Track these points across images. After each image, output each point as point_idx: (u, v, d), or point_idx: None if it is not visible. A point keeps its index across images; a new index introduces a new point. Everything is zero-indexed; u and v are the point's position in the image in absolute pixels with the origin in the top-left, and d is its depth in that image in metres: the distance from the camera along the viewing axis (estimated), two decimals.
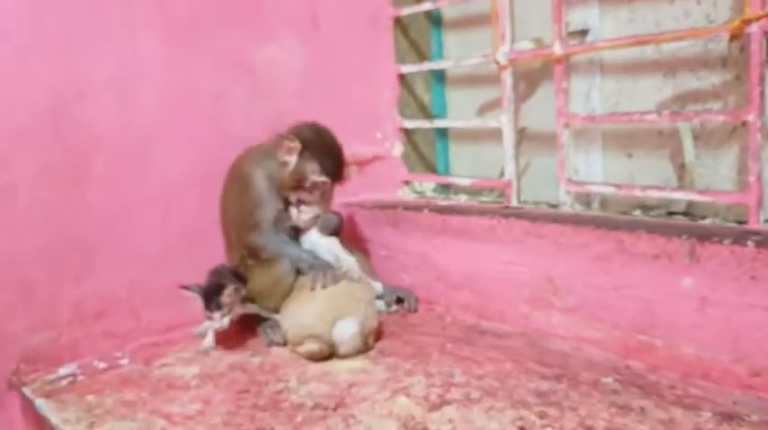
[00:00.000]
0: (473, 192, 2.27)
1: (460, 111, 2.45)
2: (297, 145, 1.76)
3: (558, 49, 1.79)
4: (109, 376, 1.62)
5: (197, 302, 1.69)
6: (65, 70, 1.68)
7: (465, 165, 2.48)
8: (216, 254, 1.93)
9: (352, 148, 2.26)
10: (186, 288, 1.70)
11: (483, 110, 2.34)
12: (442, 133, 2.52)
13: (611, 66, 1.94)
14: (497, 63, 1.95)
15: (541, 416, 1.26)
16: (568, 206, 1.84)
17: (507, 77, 1.95)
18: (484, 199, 2.14)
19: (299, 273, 1.76)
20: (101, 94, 1.73)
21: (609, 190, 1.77)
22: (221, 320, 1.68)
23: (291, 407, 1.38)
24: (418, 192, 2.42)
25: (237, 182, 1.85)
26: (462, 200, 2.17)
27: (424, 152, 2.51)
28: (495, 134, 2.04)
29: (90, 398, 1.50)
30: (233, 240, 1.88)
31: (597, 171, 2.01)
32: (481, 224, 1.78)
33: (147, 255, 1.84)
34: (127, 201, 1.80)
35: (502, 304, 1.76)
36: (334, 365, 1.59)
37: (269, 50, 2.06)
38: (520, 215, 1.72)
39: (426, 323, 1.85)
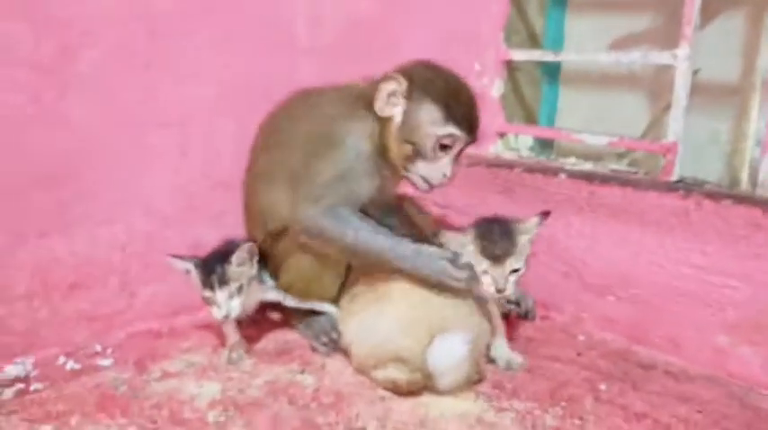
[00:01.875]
0: (588, 156, 1.66)
1: (582, 43, 1.81)
2: (403, 84, 1.12)
3: None
4: (79, 388, 1.05)
5: (193, 279, 1.13)
6: None
7: (575, 119, 1.86)
8: None
9: None
10: (179, 258, 1.15)
11: (620, 44, 1.71)
12: (553, 74, 1.90)
13: None
14: None
15: None
16: None
17: None
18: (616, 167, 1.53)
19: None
20: None
21: None
22: (228, 304, 1.11)
23: None
24: (513, 149, 1.81)
25: (310, 138, 1.17)
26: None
27: (526, 96, 1.89)
28: (629, 79, 1.56)
29: None
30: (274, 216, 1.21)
31: None
32: (662, 204, 1.18)
33: (152, 203, 1.25)
34: (125, 122, 1.20)
35: (680, 328, 1.17)
36: (431, 406, 1.02)
37: None
38: (738, 198, 1.12)
39: (550, 340, 1.27)
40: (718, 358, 1.12)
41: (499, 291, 1.05)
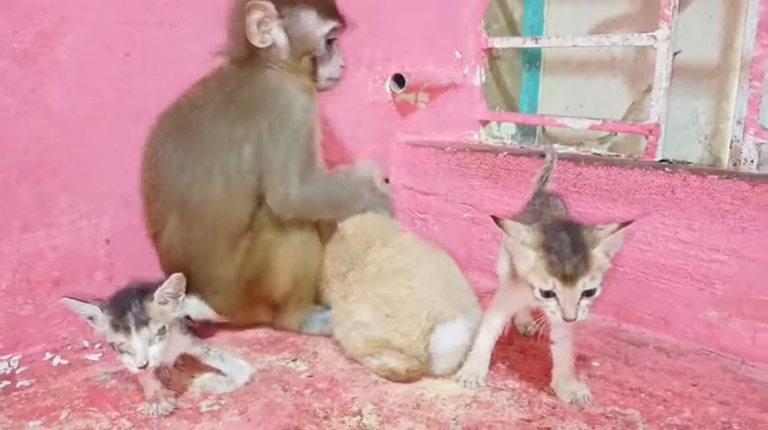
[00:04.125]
0: (570, 141, 1.68)
1: (561, 30, 1.82)
2: (270, 7, 1.09)
3: None
4: (68, 383, 1.03)
5: (99, 325, 0.90)
6: None
7: (556, 105, 1.88)
8: None
9: (423, 68, 1.67)
10: (79, 300, 0.91)
11: (599, 30, 1.72)
12: (533, 61, 1.91)
13: None
14: None
15: None
16: (753, 166, 1.26)
17: None
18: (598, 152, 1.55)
19: None
20: None
21: None
22: (147, 350, 0.88)
23: None
24: (496, 137, 1.82)
25: (249, 128, 1.10)
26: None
27: (507, 84, 1.90)
28: (609, 64, 1.60)
29: (33, 425, 0.91)
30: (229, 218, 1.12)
31: None
32: (647, 182, 1.19)
33: (133, 193, 1.22)
34: (105, 112, 1.17)
35: (670, 305, 1.18)
36: (427, 388, 1.01)
37: None
38: (724, 173, 1.13)
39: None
40: (709, 332, 1.13)
41: (567, 319, 0.85)
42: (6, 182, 1.07)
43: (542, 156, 1.21)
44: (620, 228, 0.86)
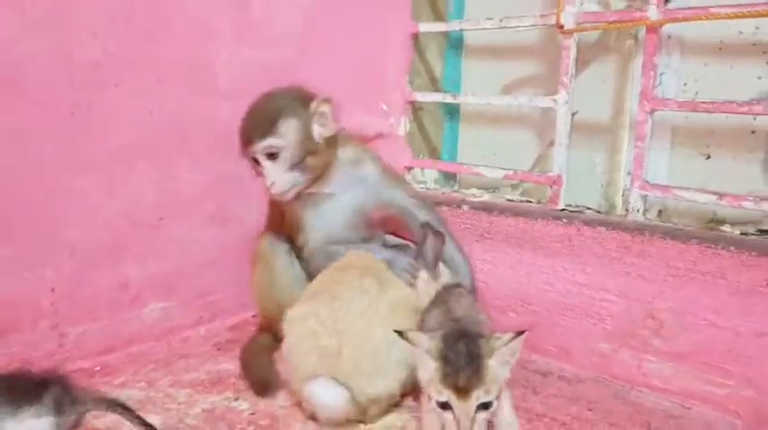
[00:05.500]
0: (486, 186, 1.85)
1: (476, 87, 2.01)
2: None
3: (653, 14, 1.39)
4: None
5: None
6: None
7: (474, 153, 2.05)
8: (184, 248, 1.42)
9: (352, 120, 1.80)
10: None
11: (510, 87, 1.92)
12: (452, 113, 2.08)
13: (695, 44, 1.57)
14: (560, 27, 1.52)
15: None
16: (639, 214, 1.46)
17: (572, 46, 1.54)
18: (511, 197, 1.72)
19: None
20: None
21: (705, 198, 1.38)
22: None
23: None
24: (420, 182, 1.97)
25: None
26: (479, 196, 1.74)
27: (430, 133, 2.06)
28: (519, 119, 1.77)
29: None
30: None
31: (661, 173, 1.63)
32: (549, 231, 1.36)
33: (78, 245, 1.29)
34: (47, 165, 1.24)
35: (569, 338, 1.35)
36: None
37: None
38: (611, 224, 1.31)
39: None
40: (602, 362, 1.31)
41: None
42: None
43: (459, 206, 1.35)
44: (515, 337, 0.86)
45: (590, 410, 1.18)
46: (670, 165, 1.62)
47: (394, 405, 1.13)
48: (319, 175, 1.30)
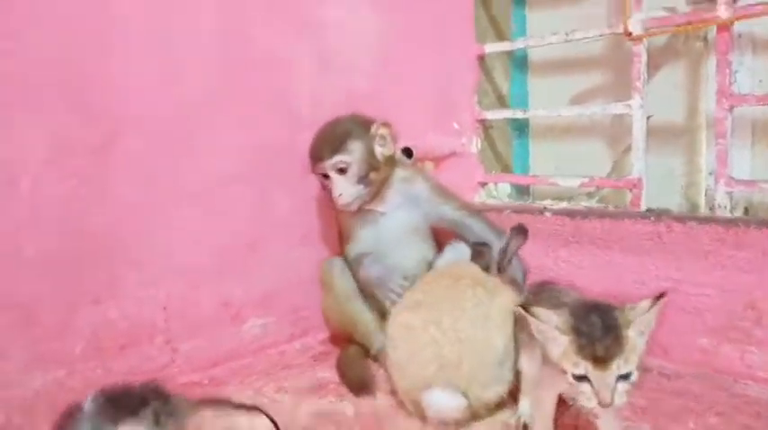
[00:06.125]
0: (561, 196, 1.87)
1: (543, 102, 2.05)
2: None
3: (723, 12, 1.41)
4: None
5: None
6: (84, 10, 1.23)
7: (546, 166, 2.08)
8: (278, 268, 1.50)
9: (427, 140, 1.87)
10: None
11: (577, 99, 1.95)
12: (521, 129, 2.12)
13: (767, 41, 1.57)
14: (628, 34, 1.56)
15: None
16: (726, 211, 1.45)
17: (642, 51, 1.56)
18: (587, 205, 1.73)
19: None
20: (134, 52, 1.28)
21: None
22: None
23: None
24: (494, 197, 2.01)
25: None
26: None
27: (500, 150, 2.11)
28: (588, 128, 1.78)
29: None
30: None
31: (744, 170, 1.62)
32: (637, 230, 1.37)
33: (186, 265, 1.38)
34: (161, 195, 1.35)
35: (666, 335, 1.34)
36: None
37: (338, 12, 1.64)
38: (701, 219, 1.31)
39: None
40: (703, 357, 1.29)
41: (603, 404, 0.81)
42: (79, 262, 1.22)
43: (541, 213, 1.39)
44: (653, 305, 0.85)
45: (695, 402, 1.17)
46: (752, 161, 1.61)
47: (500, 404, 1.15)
48: (377, 191, 1.43)
